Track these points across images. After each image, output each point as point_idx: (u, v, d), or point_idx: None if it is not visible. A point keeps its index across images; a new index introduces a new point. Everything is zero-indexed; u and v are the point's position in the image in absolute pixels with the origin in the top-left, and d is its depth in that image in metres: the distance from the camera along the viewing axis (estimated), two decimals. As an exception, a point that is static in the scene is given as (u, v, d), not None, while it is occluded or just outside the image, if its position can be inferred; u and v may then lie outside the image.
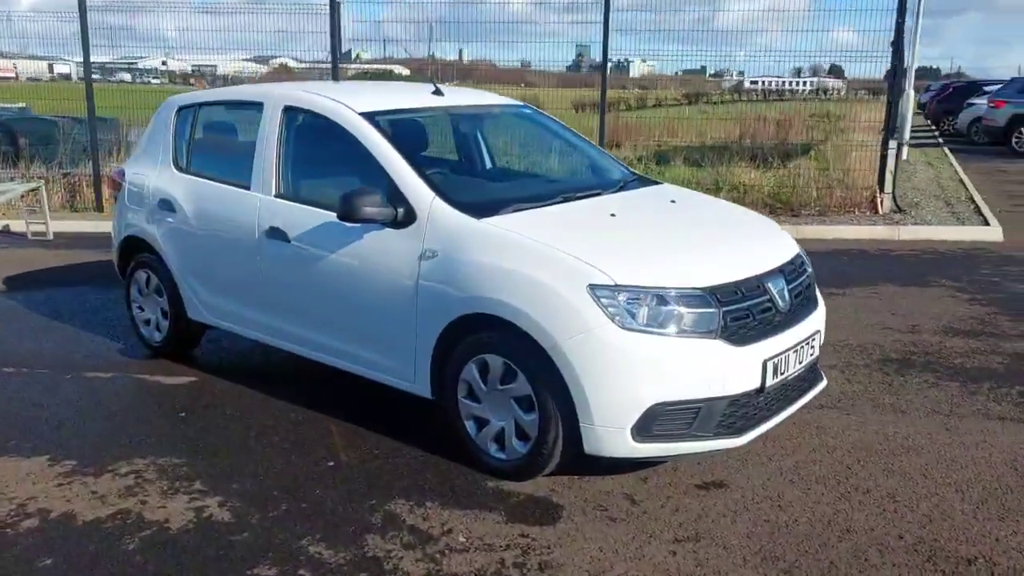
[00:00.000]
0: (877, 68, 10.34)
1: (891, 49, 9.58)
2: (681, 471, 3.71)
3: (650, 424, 3.30)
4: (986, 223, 9.81)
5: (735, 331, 3.40)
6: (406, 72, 15.23)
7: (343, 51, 11.56)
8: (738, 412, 3.44)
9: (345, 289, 4.03)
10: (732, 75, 19.13)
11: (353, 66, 15.26)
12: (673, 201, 4.42)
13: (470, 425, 3.74)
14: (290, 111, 4.47)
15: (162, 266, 5.04)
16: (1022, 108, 18.75)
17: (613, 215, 3.97)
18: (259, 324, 4.58)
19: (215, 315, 4.84)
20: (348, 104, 4.27)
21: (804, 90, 18.64)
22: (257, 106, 4.64)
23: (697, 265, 3.51)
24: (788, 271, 3.78)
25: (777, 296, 3.60)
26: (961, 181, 13.40)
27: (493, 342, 3.56)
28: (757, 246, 3.91)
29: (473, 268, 3.55)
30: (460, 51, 14.30)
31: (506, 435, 3.60)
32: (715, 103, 19.34)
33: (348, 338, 4.13)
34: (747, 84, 19.29)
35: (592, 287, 3.31)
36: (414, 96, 4.69)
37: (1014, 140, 18.75)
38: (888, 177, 10.15)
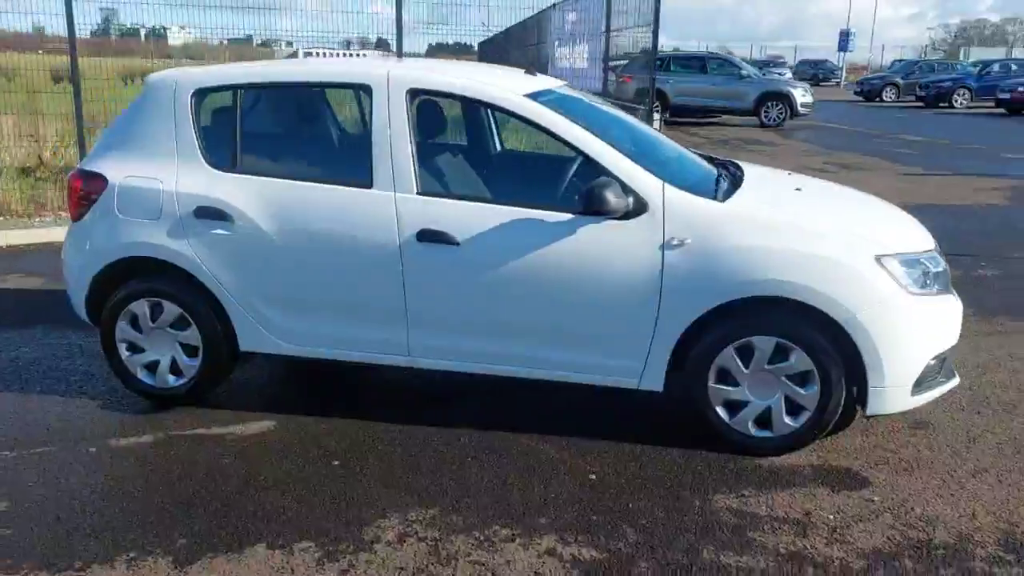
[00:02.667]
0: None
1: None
2: (882, 423, 4.06)
3: (924, 378, 3.62)
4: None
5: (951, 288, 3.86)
6: None
7: None
8: (950, 357, 3.91)
9: (551, 289, 3.68)
10: (281, 46, 18.98)
11: None
12: (790, 174, 4.71)
13: (720, 410, 3.71)
14: (418, 94, 3.87)
15: (193, 291, 4.02)
16: (645, 84, 21.79)
17: (799, 189, 4.16)
18: (388, 344, 3.93)
19: (300, 342, 4.03)
20: (506, 87, 3.85)
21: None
22: (358, 89, 3.93)
23: (915, 231, 3.89)
24: None
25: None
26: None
27: (762, 324, 3.58)
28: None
29: (744, 252, 3.51)
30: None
31: (773, 413, 3.65)
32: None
33: (549, 343, 3.78)
34: (301, 55, 19.00)
35: (877, 257, 3.51)
36: (531, 79, 4.30)
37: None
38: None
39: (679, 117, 21.16)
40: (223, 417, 4.11)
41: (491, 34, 17.84)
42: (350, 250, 3.82)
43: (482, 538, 3.10)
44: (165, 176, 4.00)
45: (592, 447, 3.79)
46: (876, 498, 3.37)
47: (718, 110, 21.69)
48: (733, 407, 3.70)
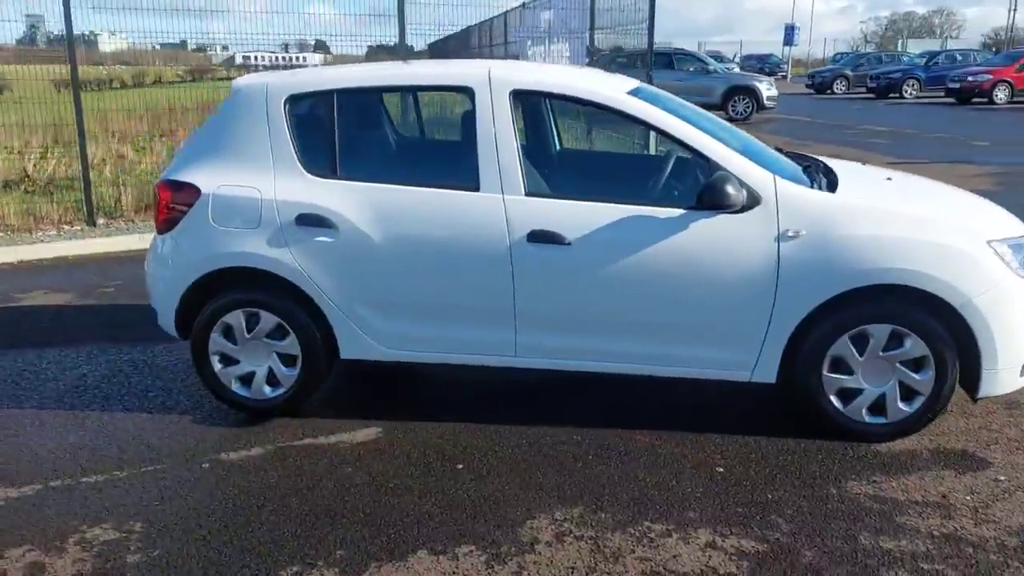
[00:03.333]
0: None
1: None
2: (978, 405, 4.16)
3: None
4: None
5: None
6: None
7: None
8: None
9: (663, 285, 3.72)
10: (216, 50, 18.74)
11: None
12: (864, 164, 4.81)
13: (834, 399, 3.78)
14: (522, 96, 3.87)
15: (292, 300, 3.97)
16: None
17: (889, 179, 4.26)
18: (494, 344, 3.92)
19: (403, 346, 4.00)
20: (610, 85, 3.87)
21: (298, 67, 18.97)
22: (459, 91, 3.92)
23: (1008, 216, 4.01)
24: None
25: None
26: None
27: (877, 312, 3.65)
28: None
29: (862, 241, 3.59)
30: None
31: (887, 399, 3.74)
32: (223, 79, 18.42)
33: (660, 339, 3.81)
34: (239, 59, 18.55)
35: (989, 243, 3.62)
36: (616, 77, 4.33)
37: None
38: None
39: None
40: (324, 426, 4.06)
41: (446, 33, 17.73)
42: (458, 253, 3.80)
43: (638, 534, 3.12)
44: (262, 184, 3.93)
45: (706, 441, 3.84)
46: (1002, 477, 3.48)
47: (686, 105, 21.95)
48: (847, 395, 3.77)
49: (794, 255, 3.62)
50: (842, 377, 3.75)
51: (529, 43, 17.35)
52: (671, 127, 3.78)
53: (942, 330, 3.61)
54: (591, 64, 14.16)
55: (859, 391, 3.76)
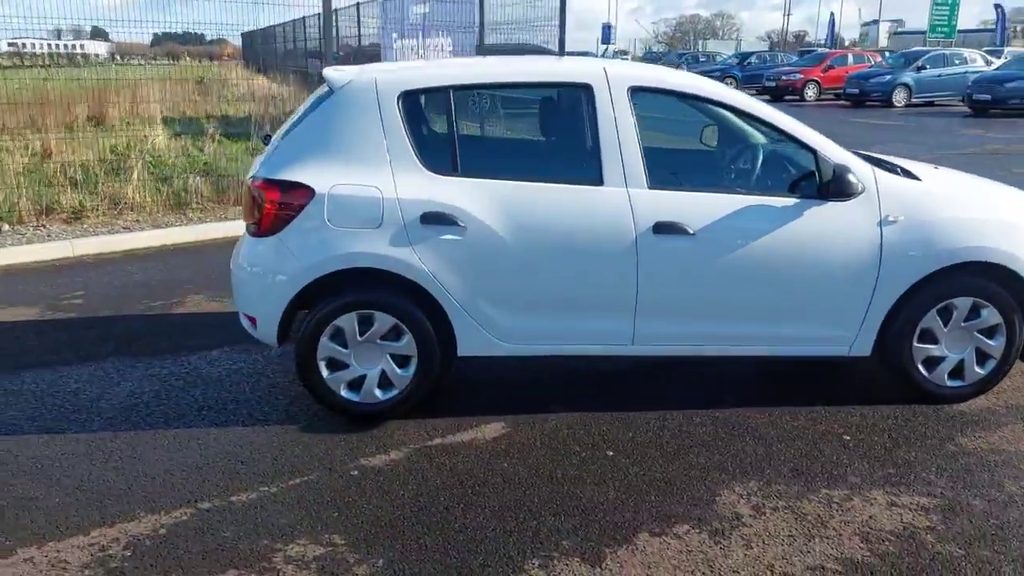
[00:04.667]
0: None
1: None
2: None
3: None
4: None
5: None
6: None
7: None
8: None
9: (778, 270, 3.98)
10: None
11: None
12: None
13: (921, 367, 4.20)
14: (640, 92, 4.00)
15: (409, 299, 3.90)
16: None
17: (937, 169, 4.73)
18: (612, 334, 4.04)
19: (522, 340, 4.03)
20: (709, 82, 4.12)
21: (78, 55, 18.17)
22: (575, 87, 4.00)
23: None
24: None
25: None
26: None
27: (961, 286, 4.09)
28: None
29: (951, 224, 4.01)
30: None
31: (966, 364, 4.21)
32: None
33: (772, 320, 4.08)
34: (4, 46, 17.29)
35: None
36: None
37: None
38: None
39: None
40: (445, 425, 4.02)
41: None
42: (585, 246, 3.89)
43: (824, 501, 3.37)
44: (381, 183, 3.83)
45: (815, 414, 4.15)
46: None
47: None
48: (931, 363, 4.20)
49: (894, 238, 3.99)
50: (928, 347, 4.17)
51: (395, 36, 17.12)
52: (781, 122, 4.06)
53: (1013, 301, 4.11)
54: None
55: (942, 358, 4.20)
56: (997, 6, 41.04)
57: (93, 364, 4.78)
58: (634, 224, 3.88)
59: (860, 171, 4.01)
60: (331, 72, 4.07)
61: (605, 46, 54.39)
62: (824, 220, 3.96)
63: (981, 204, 4.16)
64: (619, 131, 3.91)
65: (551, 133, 4.47)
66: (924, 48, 29.75)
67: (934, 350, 4.18)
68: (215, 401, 4.29)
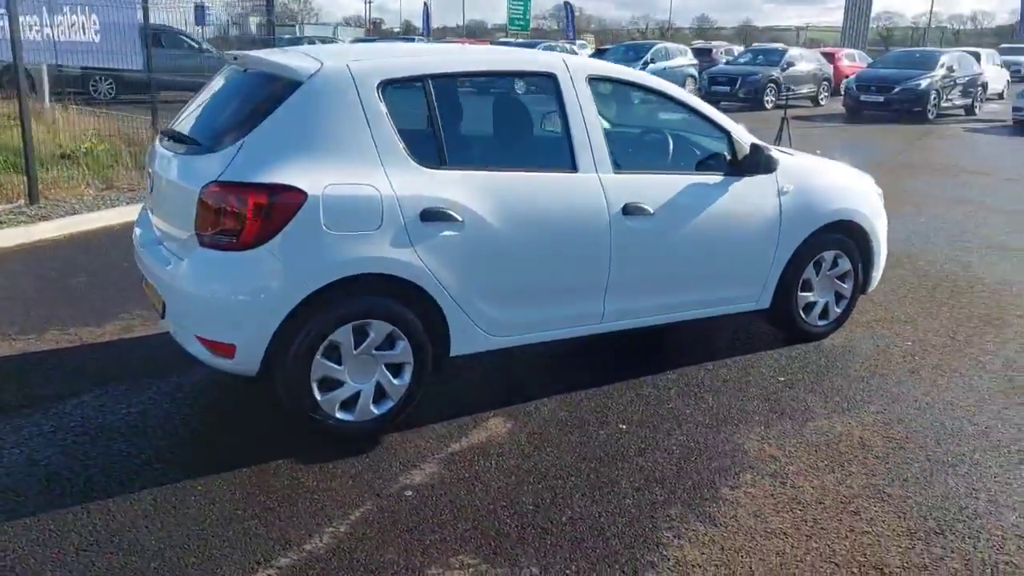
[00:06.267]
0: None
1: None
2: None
3: None
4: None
5: None
6: None
7: None
8: None
9: (714, 240, 4.47)
10: None
11: None
12: None
13: (800, 311, 5.00)
14: (594, 81, 4.18)
15: (404, 303, 3.72)
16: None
17: (819, 152, 5.52)
18: (585, 316, 4.23)
19: (509, 333, 4.04)
20: (642, 71, 4.43)
21: None
22: (540, 76, 4.08)
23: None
24: None
25: None
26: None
27: (828, 242, 4.92)
28: None
29: (826, 191, 4.84)
30: None
31: (829, 306, 5.09)
32: None
33: (704, 286, 4.56)
34: None
35: (873, 187, 5.18)
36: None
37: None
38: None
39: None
40: (443, 432, 3.90)
41: None
42: (569, 232, 4.02)
43: (819, 430, 3.94)
44: (376, 180, 3.57)
45: (745, 362, 4.75)
46: (908, 341, 5.11)
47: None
48: (808, 308, 5.02)
49: (789, 205, 4.69)
50: (807, 295, 4.98)
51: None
52: (706, 111, 4.52)
53: (857, 250, 5.06)
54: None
55: (815, 303, 5.03)
56: (566, 4, 46.24)
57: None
58: (607, 207, 4.07)
59: (767, 151, 4.62)
60: (297, 63, 3.65)
61: (199, 27, 51.12)
62: (742, 193, 4.52)
63: (837, 174, 5.05)
64: (585, 118, 4.07)
65: (523, 122, 4.45)
66: (649, 41, 30.94)
67: (811, 297, 5.00)
68: (171, 455, 3.65)
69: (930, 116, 20.24)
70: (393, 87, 3.71)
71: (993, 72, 26.15)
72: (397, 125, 3.67)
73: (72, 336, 4.92)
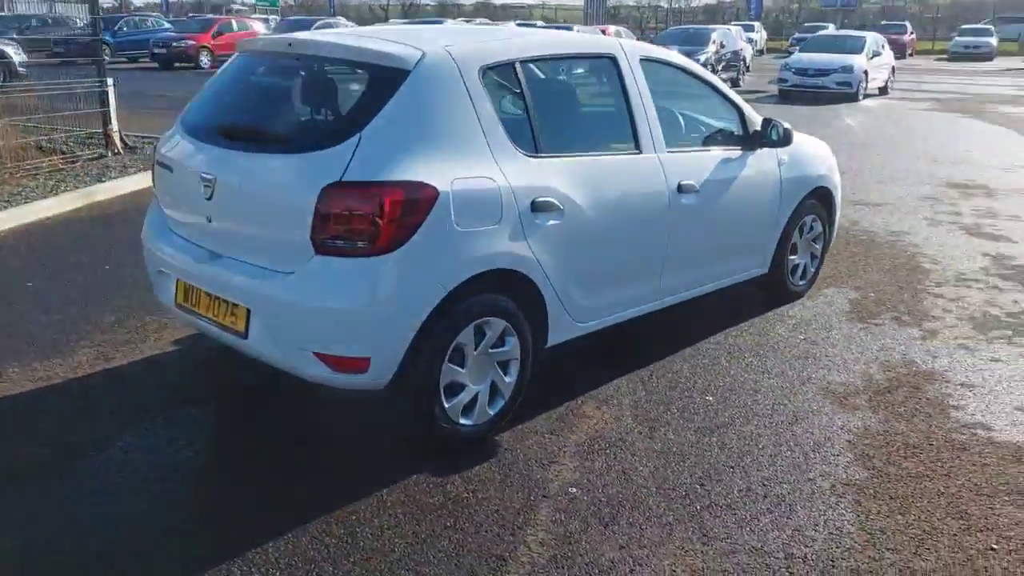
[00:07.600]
0: None
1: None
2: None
3: None
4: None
5: None
6: None
7: None
8: None
9: (740, 211, 4.71)
10: None
11: None
12: None
13: (789, 274, 5.39)
14: (646, 63, 4.23)
15: (513, 297, 3.59)
16: None
17: None
18: (648, 293, 4.32)
19: (593, 318, 4.03)
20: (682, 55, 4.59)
21: None
22: (602, 59, 4.09)
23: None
24: None
25: None
26: None
27: (810, 208, 5.33)
28: None
29: (810, 161, 5.24)
30: None
31: (806, 266, 5.53)
32: None
33: (729, 256, 4.80)
34: None
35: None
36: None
37: None
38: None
39: None
40: (550, 425, 3.85)
41: None
42: (639, 213, 4.08)
43: (819, 379, 4.32)
44: (491, 172, 3.42)
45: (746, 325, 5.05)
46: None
47: None
48: (794, 270, 5.42)
49: (786, 175, 5.03)
50: (794, 258, 5.37)
51: None
52: (724, 91, 4.73)
53: (828, 214, 5.54)
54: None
55: (800, 264, 5.45)
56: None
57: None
58: (667, 185, 4.17)
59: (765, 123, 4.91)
60: (392, 49, 3.38)
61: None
62: (756, 166, 4.80)
63: (813, 144, 5.47)
64: (643, 99, 4.12)
65: (592, 105, 4.38)
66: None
67: (795, 259, 5.40)
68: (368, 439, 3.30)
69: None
70: (492, 72, 3.56)
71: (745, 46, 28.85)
72: (500, 112, 3.54)
73: None
